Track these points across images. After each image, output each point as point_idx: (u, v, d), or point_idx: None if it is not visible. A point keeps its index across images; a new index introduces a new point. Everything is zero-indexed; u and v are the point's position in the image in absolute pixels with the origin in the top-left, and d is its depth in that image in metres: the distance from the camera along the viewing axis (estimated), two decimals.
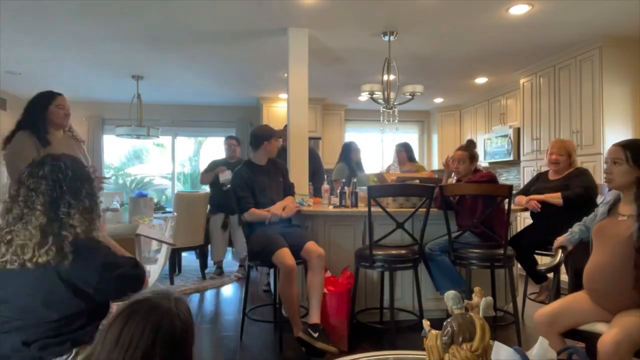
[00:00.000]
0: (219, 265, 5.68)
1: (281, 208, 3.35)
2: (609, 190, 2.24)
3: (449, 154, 3.78)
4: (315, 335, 2.97)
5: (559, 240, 2.44)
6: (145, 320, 1.04)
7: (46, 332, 1.50)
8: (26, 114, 2.89)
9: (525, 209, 3.64)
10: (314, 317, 3.07)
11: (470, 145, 3.63)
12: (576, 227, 2.45)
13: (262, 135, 3.50)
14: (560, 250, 2.41)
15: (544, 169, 3.95)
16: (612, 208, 2.16)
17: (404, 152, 5.19)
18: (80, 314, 1.54)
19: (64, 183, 1.54)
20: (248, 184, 3.40)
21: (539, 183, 3.73)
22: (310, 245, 3.22)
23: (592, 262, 2.11)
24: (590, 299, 2.11)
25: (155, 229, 2.01)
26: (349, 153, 5.38)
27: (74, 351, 1.53)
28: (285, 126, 5.14)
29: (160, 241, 1.94)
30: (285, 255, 3.07)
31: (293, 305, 3.12)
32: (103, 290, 1.55)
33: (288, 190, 3.56)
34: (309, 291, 3.15)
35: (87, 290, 1.52)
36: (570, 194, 3.37)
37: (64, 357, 1.51)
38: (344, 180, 4.83)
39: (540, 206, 3.47)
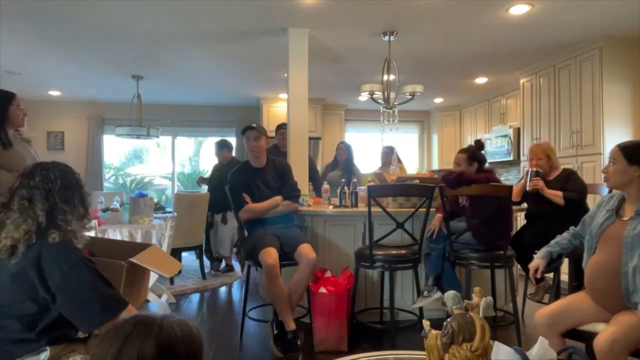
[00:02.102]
0: (227, 263, 5.82)
1: (274, 203, 3.39)
2: (610, 190, 2.25)
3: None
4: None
5: (532, 265, 2.42)
6: (146, 340, 0.97)
7: (18, 326, 1.51)
8: None
9: (522, 209, 3.65)
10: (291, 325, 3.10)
11: (472, 147, 3.53)
12: (553, 243, 2.46)
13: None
14: (538, 272, 2.41)
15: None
16: (618, 211, 2.16)
17: (392, 154, 5.29)
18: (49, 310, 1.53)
19: (55, 193, 1.59)
20: (243, 184, 3.40)
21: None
22: (303, 248, 3.17)
23: (594, 262, 2.11)
24: (591, 299, 2.11)
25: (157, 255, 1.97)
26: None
27: (48, 349, 1.52)
28: (278, 126, 5.17)
29: (155, 272, 1.92)
30: (267, 253, 3.06)
31: (280, 303, 3.11)
32: (64, 291, 1.50)
33: (287, 192, 3.48)
34: (288, 293, 3.16)
35: (49, 282, 1.50)
36: (572, 196, 3.39)
37: (40, 356, 1.51)
38: (344, 180, 4.83)
39: (540, 185, 3.47)
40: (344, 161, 5.39)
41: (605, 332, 1.88)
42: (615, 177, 2.11)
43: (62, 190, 1.61)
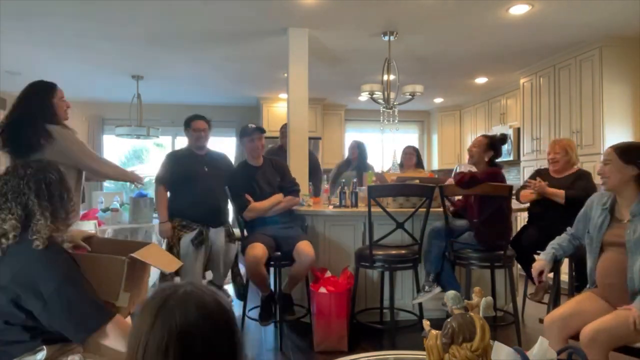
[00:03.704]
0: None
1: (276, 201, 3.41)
2: (606, 190, 2.24)
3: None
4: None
5: (537, 267, 2.39)
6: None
7: (14, 328, 1.50)
8: (31, 106, 2.62)
9: (522, 209, 3.65)
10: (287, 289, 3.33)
11: (495, 137, 3.45)
12: (556, 244, 2.44)
13: (239, 135, 3.60)
14: (543, 275, 2.38)
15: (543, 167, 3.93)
16: (612, 211, 2.16)
17: (414, 156, 5.00)
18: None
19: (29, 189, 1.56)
20: (245, 184, 3.40)
21: (542, 180, 3.71)
22: (302, 246, 3.19)
23: (605, 259, 2.12)
24: (599, 298, 2.11)
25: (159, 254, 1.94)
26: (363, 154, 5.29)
27: (45, 348, 1.51)
28: (283, 126, 5.15)
29: (156, 267, 1.92)
30: (252, 247, 3.10)
31: (262, 287, 3.28)
32: (52, 307, 1.47)
33: (287, 189, 3.51)
34: (289, 279, 3.31)
35: (37, 299, 1.47)
36: (573, 194, 3.36)
37: (37, 355, 1.50)
38: (343, 180, 4.81)
39: (546, 184, 3.44)
40: (357, 160, 5.23)
41: (592, 324, 1.89)
42: (613, 177, 2.09)
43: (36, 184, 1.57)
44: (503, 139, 3.45)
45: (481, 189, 3.10)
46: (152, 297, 0.97)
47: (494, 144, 3.34)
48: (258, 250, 3.09)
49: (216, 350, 0.93)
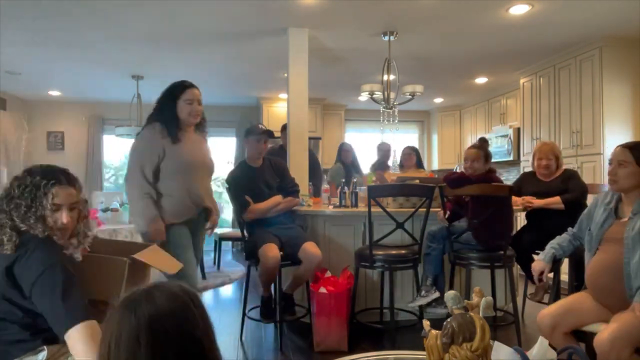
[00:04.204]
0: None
1: (275, 202, 3.41)
2: (610, 191, 2.23)
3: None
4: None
5: (537, 268, 2.39)
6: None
7: (12, 326, 1.50)
8: (158, 105, 2.71)
9: (522, 209, 3.65)
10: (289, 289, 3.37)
11: (484, 143, 3.50)
12: (556, 244, 2.44)
13: (246, 133, 3.55)
14: (543, 275, 2.37)
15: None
16: (616, 210, 2.15)
17: (414, 156, 5.07)
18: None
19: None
20: (245, 185, 3.40)
21: (530, 184, 3.71)
22: (310, 247, 3.20)
23: (596, 261, 2.11)
24: (592, 299, 2.11)
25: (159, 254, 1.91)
26: (339, 154, 5.50)
27: (46, 349, 1.51)
28: (284, 126, 5.15)
29: (157, 269, 1.90)
30: (269, 248, 3.09)
31: (269, 286, 3.34)
32: (35, 298, 1.46)
33: (286, 190, 3.51)
34: (293, 279, 3.33)
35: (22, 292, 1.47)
36: (570, 197, 3.39)
37: (38, 356, 1.50)
38: (343, 180, 4.81)
39: (532, 204, 3.48)
40: (353, 161, 5.44)
41: (605, 331, 1.88)
42: (625, 181, 2.06)
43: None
44: (487, 141, 3.52)
45: (481, 189, 3.11)
46: (121, 299, 1.01)
47: (487, 152, 3.38)
48: (276, 250, 3.11)
49: (186, 335, 0.98)
